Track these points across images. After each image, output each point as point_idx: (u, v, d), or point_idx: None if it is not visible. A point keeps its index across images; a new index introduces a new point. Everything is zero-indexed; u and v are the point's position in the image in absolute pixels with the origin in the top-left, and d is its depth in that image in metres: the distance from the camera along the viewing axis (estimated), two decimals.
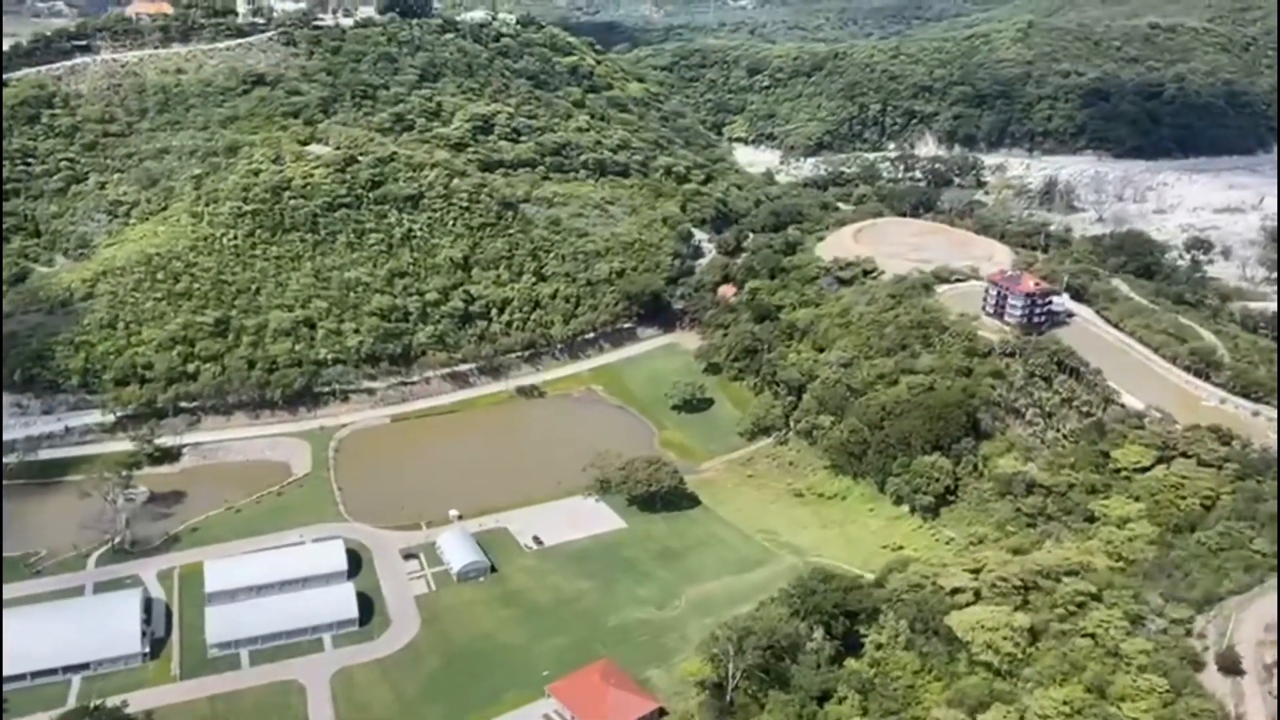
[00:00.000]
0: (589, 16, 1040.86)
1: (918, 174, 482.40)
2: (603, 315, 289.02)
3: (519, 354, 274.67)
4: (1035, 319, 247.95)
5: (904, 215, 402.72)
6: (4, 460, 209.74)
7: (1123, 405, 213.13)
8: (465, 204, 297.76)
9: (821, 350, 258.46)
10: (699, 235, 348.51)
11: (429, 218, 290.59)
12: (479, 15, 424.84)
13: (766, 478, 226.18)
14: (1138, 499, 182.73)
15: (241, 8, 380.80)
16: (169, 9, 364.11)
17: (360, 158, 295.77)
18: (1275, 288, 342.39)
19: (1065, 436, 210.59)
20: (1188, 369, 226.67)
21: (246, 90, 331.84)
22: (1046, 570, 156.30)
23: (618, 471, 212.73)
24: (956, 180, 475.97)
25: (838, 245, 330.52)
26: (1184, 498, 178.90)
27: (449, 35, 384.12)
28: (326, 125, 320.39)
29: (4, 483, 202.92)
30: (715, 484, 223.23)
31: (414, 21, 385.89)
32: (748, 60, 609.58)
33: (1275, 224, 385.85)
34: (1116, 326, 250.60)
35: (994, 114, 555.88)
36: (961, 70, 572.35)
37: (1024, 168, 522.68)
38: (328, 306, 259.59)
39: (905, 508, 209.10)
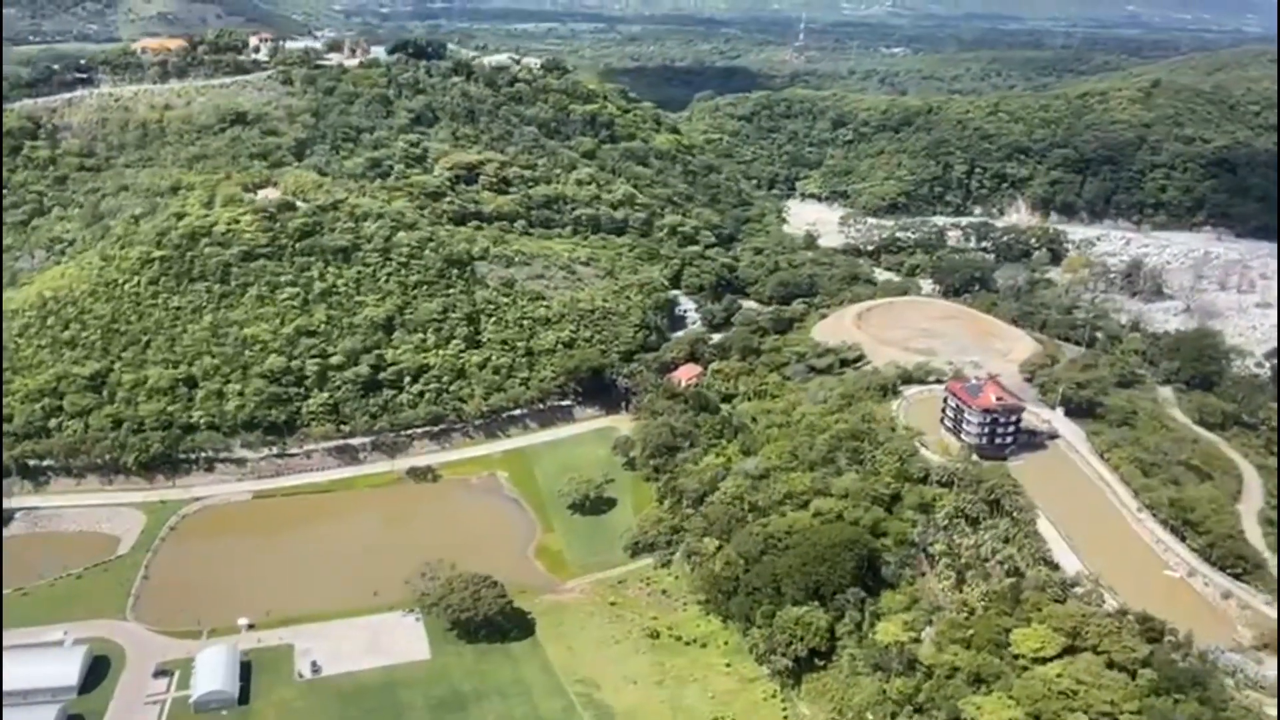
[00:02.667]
0: (728, 61, 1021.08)
1: (989, 244, 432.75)
2: (532, 391, 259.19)
3: (425, 429, 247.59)
4: (998, 439, 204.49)
5: (954, 292, 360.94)
6: None
7: (1055, 566, 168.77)
8: (404, 259, 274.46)
9: (748, 454, 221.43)
10: (687, 304, 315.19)
11: (358, 272, 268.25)
12: (501, 59, 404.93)
13: (630, 607, 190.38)
14: (1019, 702, 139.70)
15: (260, 47, 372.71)
16: (172, 45, 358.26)
17: (301, 204, 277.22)
18: None
19: (981, 598, 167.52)
20: (1164, 523, 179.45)
21: (223, 129, 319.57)
22: None
23: (440, 588, 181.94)
24: (1035, 253, 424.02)
25: (836, 327, 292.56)
26: (1072, 710, 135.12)
27: (456, 79, 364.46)
28: (291, 169, 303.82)
29: None
30: (566, 610, 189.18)
31: (422, 64, 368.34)
32: (834, 112, 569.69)
33: None
34: (1103, 456, 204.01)
35: (1099, 181, 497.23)
36: (1066, 131, 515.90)
37: (1123, 243, 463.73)
38: (217, 364, 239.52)
39: (766, 669, 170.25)
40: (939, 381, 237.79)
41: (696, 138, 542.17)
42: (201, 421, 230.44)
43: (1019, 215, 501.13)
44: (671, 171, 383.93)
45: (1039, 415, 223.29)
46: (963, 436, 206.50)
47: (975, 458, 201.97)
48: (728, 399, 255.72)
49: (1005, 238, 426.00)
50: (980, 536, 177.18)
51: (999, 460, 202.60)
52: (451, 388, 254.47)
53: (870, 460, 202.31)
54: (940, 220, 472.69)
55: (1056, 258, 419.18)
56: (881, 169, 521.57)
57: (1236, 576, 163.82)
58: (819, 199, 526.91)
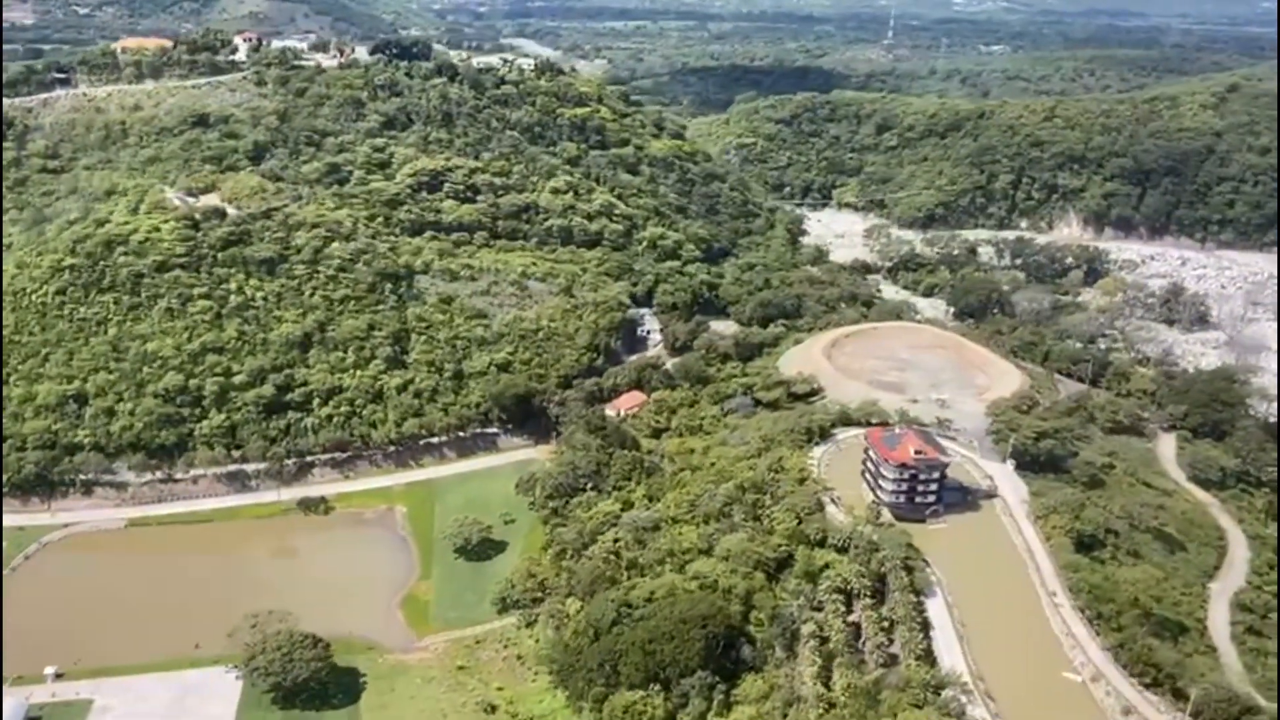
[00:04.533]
0: (812, 59, 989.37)
1: (1023, 262, 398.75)
2: (451, 417, 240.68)
3: (330, 456, 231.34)
4: (918, 498, 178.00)
5: (969, 315, 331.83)
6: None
7: (932, 660, 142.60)
8: (333, 272, 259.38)
9: (652, 500, 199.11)
10: (652, 325, 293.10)
11: (281, 285, 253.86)
12: (492, 60, 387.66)
13: (478, 673, 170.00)
14: None
15: (240, 46, 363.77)
16: (150, 44, 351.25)
17: (233, 211, 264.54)
18: None
19: (844, 691, 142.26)
20: (1082, 610, 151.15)
21: (183, 131, 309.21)
22: None
23: (255, 645, 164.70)
24: (1070, 273, 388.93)
25: (804, 355, 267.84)
26: None
27: (437, 81, 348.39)
28: (242, 173, 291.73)
29: None
30: (405, 674, 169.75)
31: (404, 65, 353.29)
32: (880, 115, 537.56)
33: None
34: (1038, 523, 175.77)
35: (1159, 194, 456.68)
36: (1128, 139, 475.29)
37: (1179, 263, 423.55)
38: (112, 381, 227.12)
39: None
40: (885, 424, 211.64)
41: (718, 143, 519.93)
42: (87, 441, 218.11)
43: (1069, 230, 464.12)
44: (665, 180, 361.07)
45: (984, 468, 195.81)
46: (879, 494, 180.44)
47: (889, 518, 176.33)
48: (659, 433, 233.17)
49: (1037, 256, 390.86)
50: (859, 616, 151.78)
51: (916, 522, 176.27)
52: (364, 412, 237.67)
53: (767, 517, 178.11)
54: (972, 234, 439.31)
55: (1097, 278, 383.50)
56: (921, 177, 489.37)
57: (1149, 685, 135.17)
58: (855, 208, 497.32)
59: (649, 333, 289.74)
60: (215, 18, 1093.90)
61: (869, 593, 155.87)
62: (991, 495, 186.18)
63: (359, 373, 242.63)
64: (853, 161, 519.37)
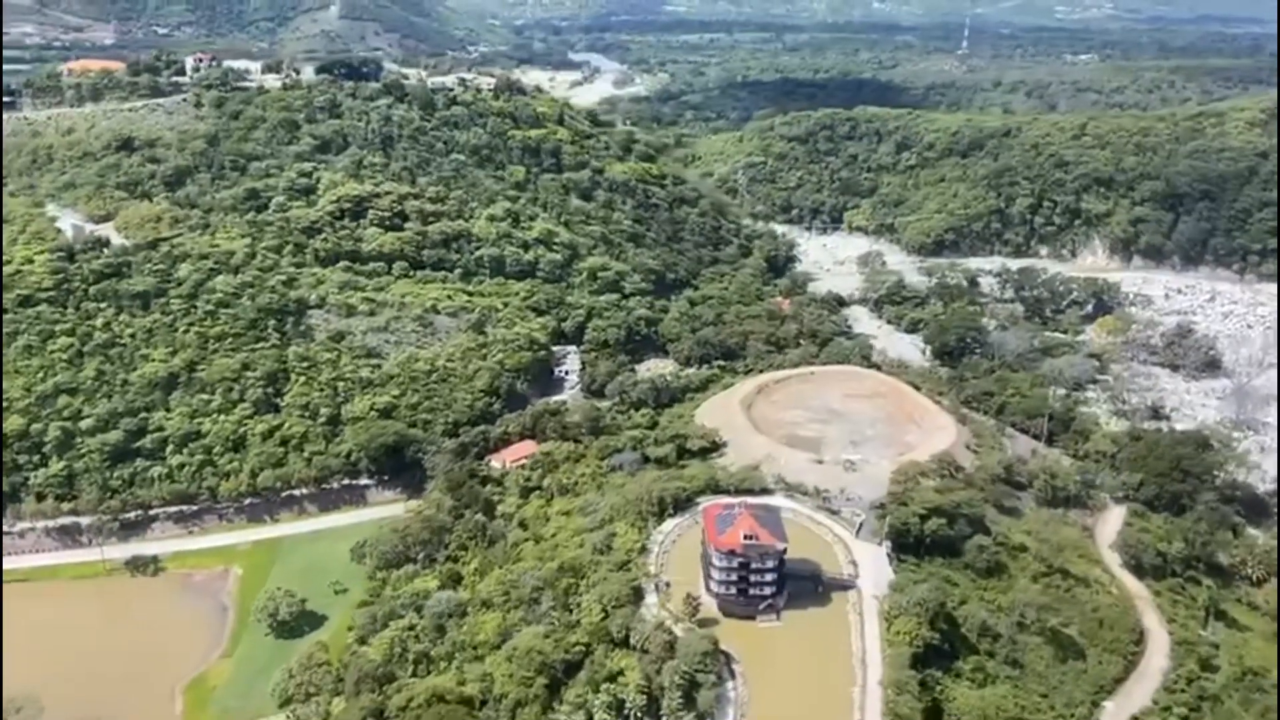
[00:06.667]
0: (882, 71, 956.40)
1: (1030, 293, 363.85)
2: (314, 468, 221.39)
3: (177, 509, 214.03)
4: (752, 590, 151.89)
5: (948, 354, 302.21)
6: None
7: None
8: (212, 307, 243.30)
9: (483, 576, 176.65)
10: (573, 365, 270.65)
11: (154, 321, 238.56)
12: (449, 81, 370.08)
13: None
14: None
15: (195, 67, 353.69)
16: (95, 66, 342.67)
17: (120, 241, 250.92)
18: None
19: None
20: None
21: (105, 155, 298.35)
22: None
23: None
24: (1068, 310, 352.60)
25: (723, 404, 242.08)
26: None
27: (382, 102, 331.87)
28: (157, 199, 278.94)
29: None
30: None
31: (349, 85, 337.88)
32: (903, 133, 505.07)
33: None
34: (887, 623, 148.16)
35: (1193, 220, 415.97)
36: (1163, 159, 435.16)
37: (1208, 298, 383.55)
38: None
39: None
40: (765, 491, 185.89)
41: (728, 162, 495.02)
42: None
43: (1094, 258, 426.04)
44: (621, 206, 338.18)
45: (854, 551, 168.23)
46: (710, 584, 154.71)
47: (715, 613, 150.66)
48: (528, 493, 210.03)
49: (1038, 289, 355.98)
50: None
51: (748, 619, 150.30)
52: (221, 460, 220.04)
53: (575, 607, 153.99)
54: (985, 262, 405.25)
55: (1108, 313, 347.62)
56: (935, 200, 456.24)
57: None
58: (866, 232, 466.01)
59: (566, 373, 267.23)
60: (289, 36, 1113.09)
61: (641, 712, 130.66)
62: (848, 586, 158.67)
63: (222, 417, 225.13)
64: (868, 182, 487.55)
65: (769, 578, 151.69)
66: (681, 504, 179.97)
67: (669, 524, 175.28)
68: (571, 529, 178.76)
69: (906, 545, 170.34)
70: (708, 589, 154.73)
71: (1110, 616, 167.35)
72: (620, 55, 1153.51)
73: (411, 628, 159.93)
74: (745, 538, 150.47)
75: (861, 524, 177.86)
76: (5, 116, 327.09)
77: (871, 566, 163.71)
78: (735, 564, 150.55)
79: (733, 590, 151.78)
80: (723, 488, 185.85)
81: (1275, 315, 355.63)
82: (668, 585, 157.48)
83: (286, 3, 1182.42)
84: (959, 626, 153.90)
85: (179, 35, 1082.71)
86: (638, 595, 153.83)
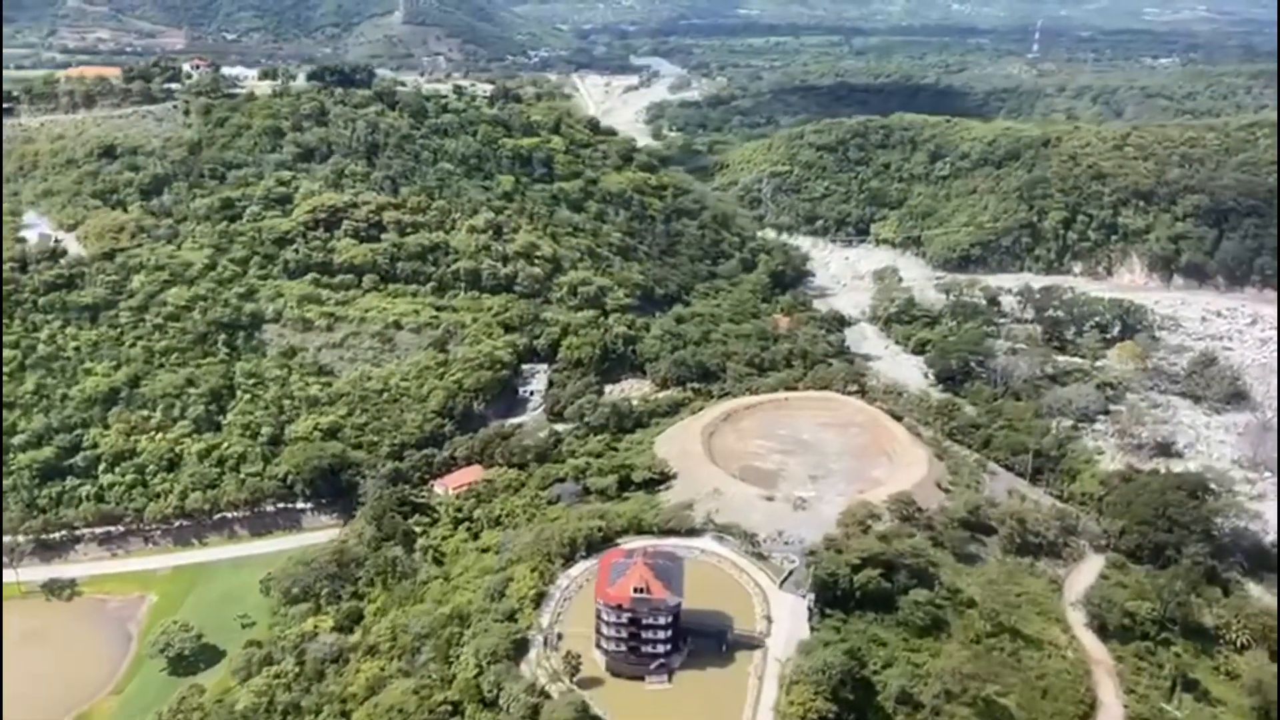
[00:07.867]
0: (947, 75, 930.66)
1: (1052, 313, 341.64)
2: (247, 491, 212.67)
3: (103, 531, 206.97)
4: (644, 648, 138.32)
5: (949, 379, 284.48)
6: None
7: None
8: (161, 320, 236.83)
9: (356, 622, 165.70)
10: (539, 385, 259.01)
11: (100, 334, 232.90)
12: (444, 88, 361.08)
13: None
14: None
15: (191, 74, 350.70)
16: (90, 73, 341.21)
17: (78, 251, 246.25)
18: None
19: None
20: None
21: (86, 163, 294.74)
22: None
23: None
24: (1086, 334, 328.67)
25: (685, 431, 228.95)
26: None
27: (370, 110, 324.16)
28: (131, 209, 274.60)
29: None
30: None
31: (339, 92, 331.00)
32: (937, 141, 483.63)
33: None
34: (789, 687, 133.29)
35: (1239, 238, 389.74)
36: (1210, 172, 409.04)
37: (1249, 322, 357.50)
38: None
39: None
40: (693, 532, 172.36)
41: (753, 171, 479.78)
42: None
43: (1131, 276, 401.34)
44: (614, 217, 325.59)
45: (773, 605, 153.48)
46: (600, 640, 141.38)
47: (602, 672, 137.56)
48: (460, 524, 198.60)
49: (1058, 310, 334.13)
50: None
51: (635, 679, 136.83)
52: (153, 480, 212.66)
53: (456, 659, 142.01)
54: (1011, 280, 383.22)
55: (1120, 335, 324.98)
56: (964, 212, 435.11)
57: None
58: (893, 245, 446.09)
59: (531, 393, 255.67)
60: (353, 42, 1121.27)
61: None
62: (755, 645, 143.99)
63: (160, 435, 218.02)
64: (898, 192, 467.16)
65: (661, 635, 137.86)
66: (597, 545, 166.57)
67: (577, 568, 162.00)
68: (479, 569, 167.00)
69: (835, 598, 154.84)
70: (598, 645, 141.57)
71: (1057, 685, 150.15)
72: (683, 59, 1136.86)
73: (284, 674, 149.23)
74: (635, 590, 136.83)
75: (791, 573, 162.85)
76: (6, 123, 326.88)
77: (788, 622, 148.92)
78: (624, 619, 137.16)
79: (622, 647, 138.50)
80: (646, 528, 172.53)
81: None
82: (559, 639, 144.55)
83: (352, 8, 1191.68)
84: (876, 695, 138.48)
85: (246, 41, 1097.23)
86: (521, 649, 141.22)
